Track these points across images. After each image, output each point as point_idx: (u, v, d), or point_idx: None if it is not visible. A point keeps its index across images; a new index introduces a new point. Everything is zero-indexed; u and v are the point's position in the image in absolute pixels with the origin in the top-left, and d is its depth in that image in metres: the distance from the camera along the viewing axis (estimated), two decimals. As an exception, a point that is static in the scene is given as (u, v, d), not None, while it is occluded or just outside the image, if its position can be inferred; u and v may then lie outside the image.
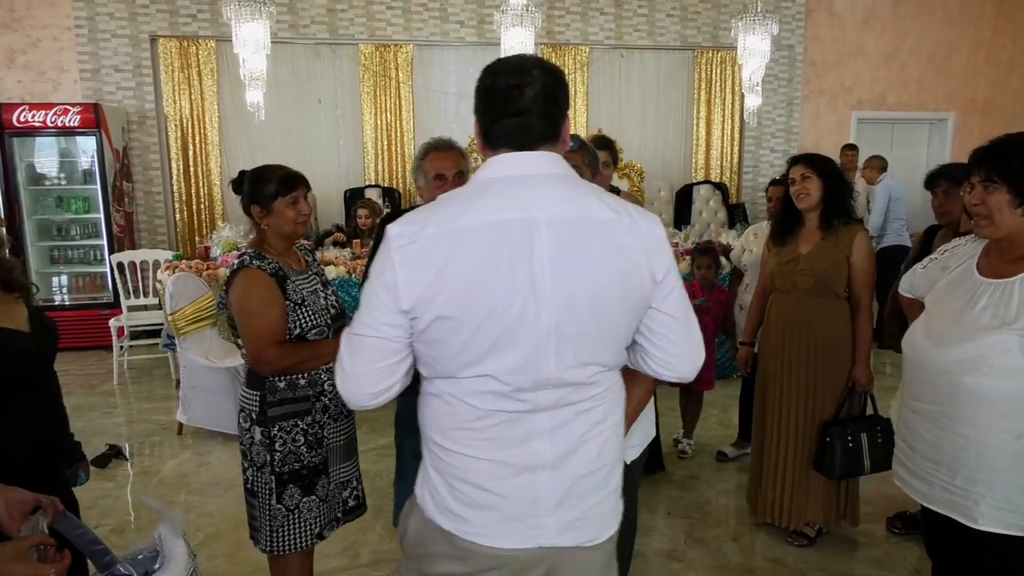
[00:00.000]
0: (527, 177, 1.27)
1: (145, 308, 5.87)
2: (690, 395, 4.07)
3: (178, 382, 4.72)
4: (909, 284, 2.23)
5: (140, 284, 5.85)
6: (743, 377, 3.70)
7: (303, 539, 2.16)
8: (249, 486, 2.16)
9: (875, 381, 2.89)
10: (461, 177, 2.41)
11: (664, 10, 7.72)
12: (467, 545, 1.29)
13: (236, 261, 2.14)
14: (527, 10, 5.66)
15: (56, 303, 6.55)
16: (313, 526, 2.18)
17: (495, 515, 1.28)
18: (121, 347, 5.63)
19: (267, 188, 2.12)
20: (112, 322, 5.62)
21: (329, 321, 2.16)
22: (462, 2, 7.36)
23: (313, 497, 2.16)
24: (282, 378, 2.10)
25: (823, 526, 3.03)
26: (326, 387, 2.15)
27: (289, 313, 2.08)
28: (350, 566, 2.91)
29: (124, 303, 5.76)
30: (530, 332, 1.22)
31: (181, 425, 4.39)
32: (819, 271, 2.84)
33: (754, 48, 6.06)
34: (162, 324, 5.15)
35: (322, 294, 2.22)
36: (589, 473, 1.32)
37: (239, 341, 2.15)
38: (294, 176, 2.16)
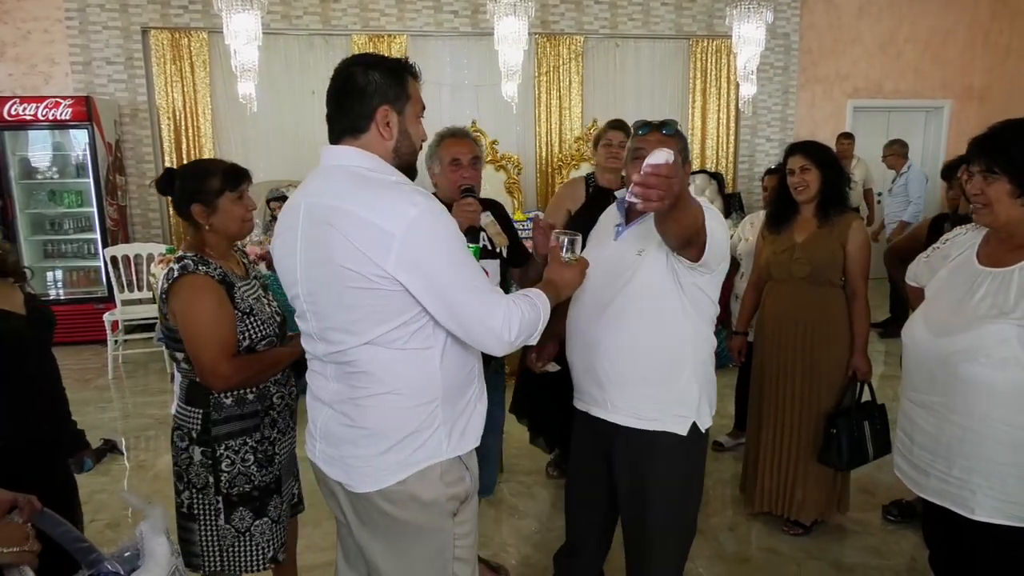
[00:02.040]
0: (323, 167, 1.51)
1: (139, 302, 5.84)
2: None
3: (173, 376, 4.69)
4: (914, 273, 2.22)
5: (134, 278, 5.82)
6: (739, 367, 3.70)
7: (256, 561, 1.99)
8: (186, 510, 1.96)
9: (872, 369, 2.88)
10: (476, 162, 2.53)
11: (659, -2, 7.67)
12: None
13: (176, 266, 1.88)
14: (521, -1, 5.61)
15: (51, 297, 6.51)
16: (266, 550, 2.00)
17: (310, 426, 1.61)
18: (116, 341, 5.62)
19: (211, 183, 1.90)
20: (106, 316, 5.60)
21: (276, 330, 2.01)
22: (456, -9, 7.31)
23: (266, 519, 1.99)
24: (229, 394, 1.92)
25: (819, 515, 3.03)
26: (275, 400, 2.02)
27: (237, 323, 1.90)
28: (346, 559, 2.90)
29: (118, 297, 5.72)
30: (297, 297, 1.52)
31: (176, 419, 4.36)
32: (816, 260, 2.83)
33: (749, 36, 6.01)
34: (156, 318, 5.12)
35: (265, 301, 2.06)
36: (343, 427, 1.51)
37: (178, 355, 1.95)
38: (239, 168, 1.97)
